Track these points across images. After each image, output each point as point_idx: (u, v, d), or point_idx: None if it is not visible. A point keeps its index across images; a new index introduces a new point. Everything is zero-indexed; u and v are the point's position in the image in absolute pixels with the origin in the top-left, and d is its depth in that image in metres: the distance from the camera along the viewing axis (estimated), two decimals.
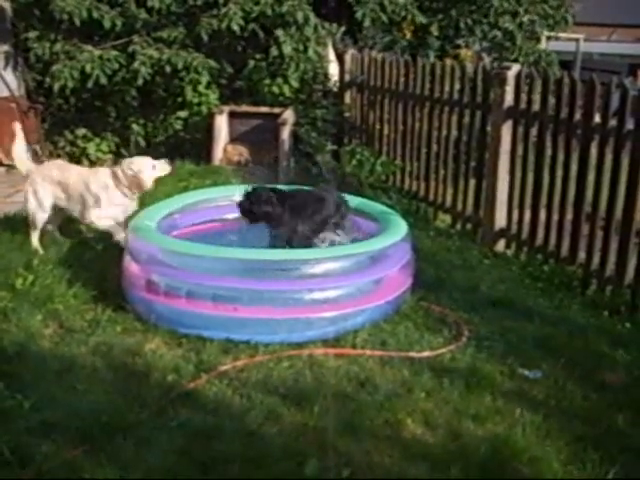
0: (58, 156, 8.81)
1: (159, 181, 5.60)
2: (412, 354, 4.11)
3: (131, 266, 4.60)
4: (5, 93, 8.69)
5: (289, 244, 4.88)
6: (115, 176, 5.39)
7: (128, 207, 5.48)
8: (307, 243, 4.93)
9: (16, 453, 3.03)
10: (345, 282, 4.41)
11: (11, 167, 8.40)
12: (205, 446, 3.15)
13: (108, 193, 5.37)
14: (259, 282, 4.29)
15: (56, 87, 8.16)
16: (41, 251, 5.45)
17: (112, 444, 3.14)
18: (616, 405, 3.66)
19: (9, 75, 8.78)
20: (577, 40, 14.90)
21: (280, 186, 5.42)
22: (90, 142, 8.97)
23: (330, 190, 5.47)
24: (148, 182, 5.41)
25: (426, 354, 4.11)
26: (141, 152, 8.93)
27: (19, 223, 5.84)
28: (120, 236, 5.31)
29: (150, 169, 5.43)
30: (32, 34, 8.49)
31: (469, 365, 4.00)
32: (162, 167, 5.52)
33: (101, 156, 8.92)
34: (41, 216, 5.55)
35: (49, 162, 5.82)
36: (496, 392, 3.73)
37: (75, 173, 5.58)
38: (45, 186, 5.50)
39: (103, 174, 5.46)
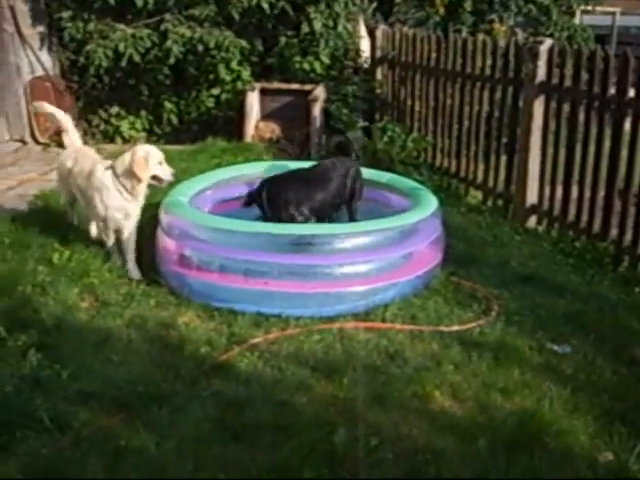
0: (92, 134, 8.93)
1: (192, 157, 5.58)
2: (441, 328, 4.14)
3: (164, 241, 4.68)
4: (40, 72, 8.80)
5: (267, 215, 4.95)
6: (114, 171, 4.66)
7: (129, 211, 4.76)
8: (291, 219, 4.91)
9: (55, 420, 3.12)
10: (376, 256, 4.45)
11: (47, 145, 8.56)
12: (237, 415, 3.23)
13: (106, 194, 4.69)
14: (290, 256, 4.33)
15: (91, 69, 8.26)
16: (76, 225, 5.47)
17: (147, 412, 3.23)
18: None
19: (44, 55, 8.88)
20: (613, 14, 14.59)
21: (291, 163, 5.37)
22: (123, 120, 9.04)
23: (344, 165, 5.29)
24: (146, 172, 4.61)
25: (455, 328, 4.14)
26: (174, 129, 9.05)
27: (55, 200, 5.95)
28: (115, 259, 4.90)
29: (155, 161, 4.68)
30: (66, 14, 8.55)
31: (498, 339, 4.02)
32: (166, 169, 4.75)
33: (134, 134, 8.99)
34: (63, 197, 5.57)
35: (78, 148, 5.40)
36: (524, 366, 3.75)
37: (79, 166, 4.99)
38: (59, 172, 5.46)
39: (101, 170, 4.72)
